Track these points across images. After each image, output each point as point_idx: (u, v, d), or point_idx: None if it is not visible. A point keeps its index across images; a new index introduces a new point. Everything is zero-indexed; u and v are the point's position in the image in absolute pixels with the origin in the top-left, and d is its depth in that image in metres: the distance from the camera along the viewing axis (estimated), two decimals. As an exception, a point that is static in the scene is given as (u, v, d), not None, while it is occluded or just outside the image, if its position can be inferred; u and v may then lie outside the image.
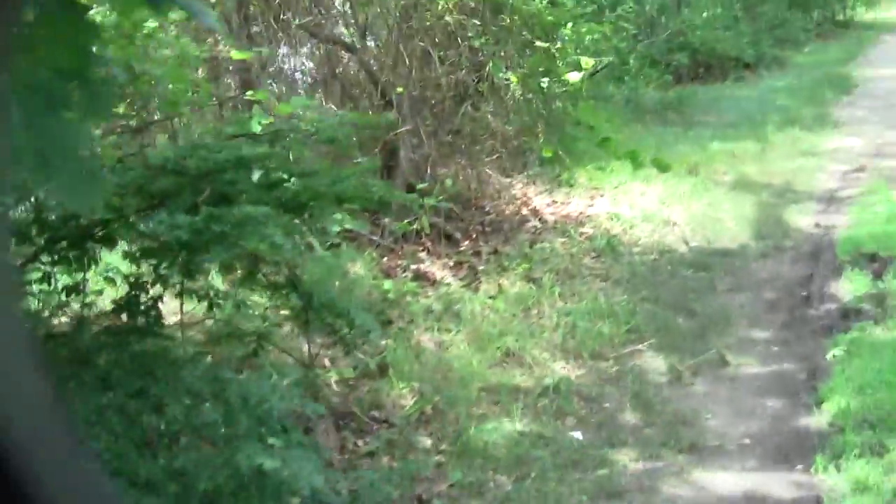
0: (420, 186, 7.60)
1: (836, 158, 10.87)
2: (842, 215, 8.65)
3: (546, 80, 8.26)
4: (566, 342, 6.19)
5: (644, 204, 9.04)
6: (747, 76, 17.60)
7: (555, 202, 9.15)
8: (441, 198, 7.63)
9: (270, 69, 8.18)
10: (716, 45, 16.83)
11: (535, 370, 5.83)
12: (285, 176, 4.08)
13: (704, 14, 15.36)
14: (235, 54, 5.85)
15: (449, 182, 7.85)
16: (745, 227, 8.50)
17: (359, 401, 5.33)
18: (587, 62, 8.64)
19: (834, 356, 5.59)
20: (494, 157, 8.94)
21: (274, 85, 7.94)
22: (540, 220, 8.75)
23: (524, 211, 8.95)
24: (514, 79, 8.29)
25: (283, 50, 8.34)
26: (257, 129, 4.66)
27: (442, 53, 8.39)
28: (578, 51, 9.45)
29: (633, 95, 13.84)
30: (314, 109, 5.69)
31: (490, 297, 6.94)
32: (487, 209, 8.57)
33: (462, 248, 7.93)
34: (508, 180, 9.36)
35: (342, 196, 4.30)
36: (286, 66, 8.43)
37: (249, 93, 5.48)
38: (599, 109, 12.47)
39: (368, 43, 8.74)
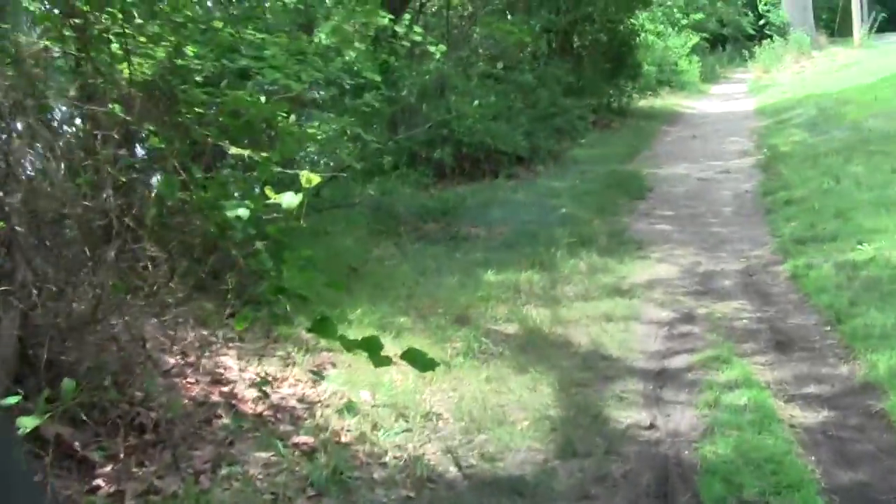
0: (9, 401, 4.45)
1: (650, 298, 8.18)
2: (685, 407, 5.83)
3: (244, 211, 5.24)
4: None
5: (394, 378, 6.15)
6: (521, 173, 15.07)
7: (263, 378, 6.15)
8: (51, 411, 4.50)
9: None
10: (486, 137, 14.17)
11: None
12: None
13: (476, 102, 12.68)
14: None
15: (69, 386, 4.65)
16: (545, 431, 5.60)
17: None
18: (309, 177, 5.74)
19: None
20: (165, 318, 5.89)
21: None
22: (236, 412, 5.70)
23: (215, 396, 5.90)
24: (194, 201, 5.31)
25: None
26: None
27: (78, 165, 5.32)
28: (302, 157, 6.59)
29: (385, 202, 11.02)
30: None
31: None
32: (152, 401, 5.42)
33: (97, 481, 4.79)
34: (192, 335, 6.40)
35: None
36: None
37: None
38: (341, 224, 9.67)
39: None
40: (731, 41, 45.83)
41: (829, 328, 7.01)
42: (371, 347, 4.42)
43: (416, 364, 4.44)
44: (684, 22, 35.25)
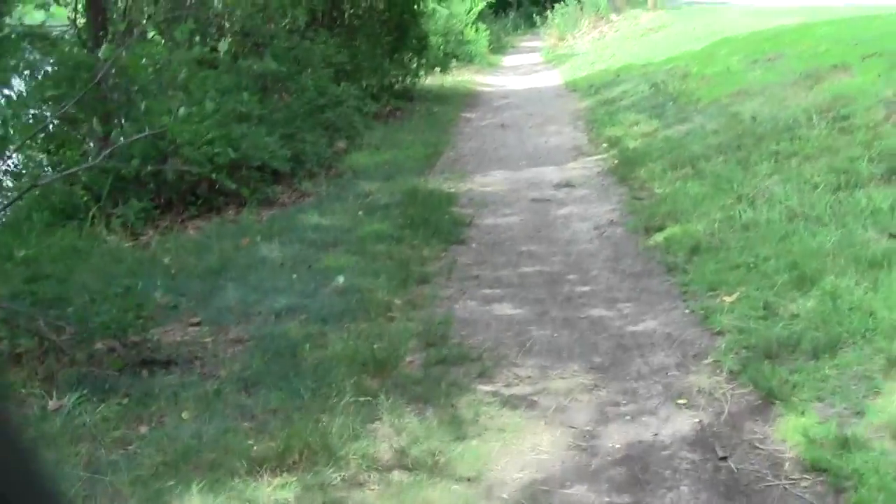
0: None
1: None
2: None
3: None
4: None
5: None
6: (282, 195, 10.52)
7: None
8: None
9: None
10: (223, 150, 9.41)
11: None
12: None
13: (181, 109, 7.90)
14: None
15: None
16: None
17: None
18: None
19: None
20: None
21: None
22: None
23: None
24: None
25: None
26: None
27: None
28: None
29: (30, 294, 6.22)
30: None
31: None
32: None
33: None
34: None
35: None
36: None
37: None
38: None
39: None
40: (513, 6, 42.94)
41: None
42: None
43: None
44: (467, -15, 31.24)
